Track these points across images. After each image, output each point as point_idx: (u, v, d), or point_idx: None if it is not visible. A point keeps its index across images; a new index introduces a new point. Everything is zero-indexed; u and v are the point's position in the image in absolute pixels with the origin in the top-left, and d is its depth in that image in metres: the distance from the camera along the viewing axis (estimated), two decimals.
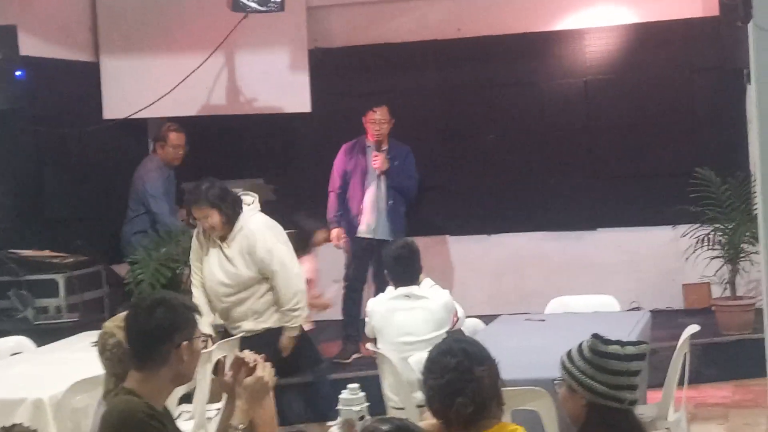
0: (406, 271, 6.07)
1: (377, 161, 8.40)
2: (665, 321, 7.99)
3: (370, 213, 8.46)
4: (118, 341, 3.91)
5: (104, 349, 3.97)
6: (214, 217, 6.41)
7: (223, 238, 6.51)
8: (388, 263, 6.19)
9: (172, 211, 8.62)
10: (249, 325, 6.49)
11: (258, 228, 6.51)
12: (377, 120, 8.45)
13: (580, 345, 3.44)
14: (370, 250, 8.41)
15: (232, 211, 6.45)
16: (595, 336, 3.43)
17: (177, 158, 8.75)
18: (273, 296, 6.52)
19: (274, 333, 6.48)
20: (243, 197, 6.65)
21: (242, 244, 6.46)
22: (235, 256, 6.49)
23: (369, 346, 5.96)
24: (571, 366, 3.40)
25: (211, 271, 6.56)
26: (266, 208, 8.63)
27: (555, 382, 3.52)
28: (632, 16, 9.37)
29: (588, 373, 3.36)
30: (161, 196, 8.61)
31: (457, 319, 6.10)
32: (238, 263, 6.48)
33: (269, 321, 6.53)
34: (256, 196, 6.81)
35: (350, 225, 8.53)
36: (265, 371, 3.44)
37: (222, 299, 6.53)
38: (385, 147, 8.51)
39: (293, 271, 6.53)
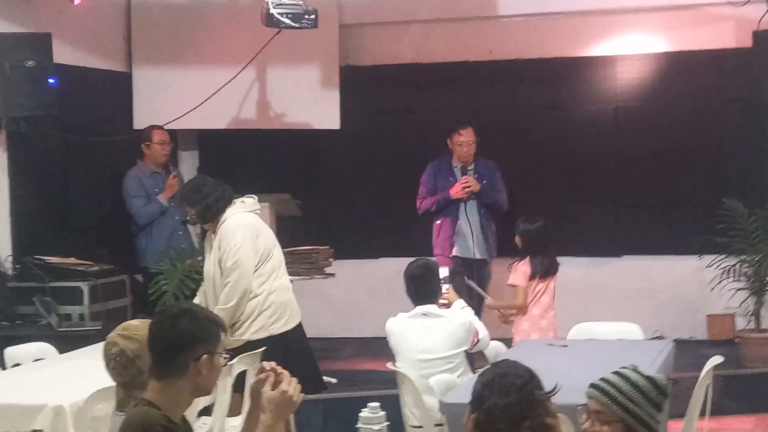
0: (421, 290, 6.06)
1: (461, 188, 8.40)
2: (688, 351, 7.95)
3: (468, 231, 8.46)
4: (121, 350, 3.91)
5: (108, 359, 3.97)
6: (192, 213, 6.66)
7: (214, 232, 6.63)
8: (406, 283, 6.20)
9: (151, 207, 8.65)
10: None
11: (232, 224, 6.55)
12: (464, 142, 8.46)
13: (636, 384, 3.32)
14: (468, 267, 8.35)
15: (206, 208, 6.57)
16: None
17: (164, 155, 8.85)
18: (253, 305, 6.53)
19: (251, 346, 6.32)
20: (241, 199, 6.70)
21: (218, 238, 6.56)
22: (214, 251, 6.58)
23: (389, 364, 5.96)
24: (634, 407, 3.26)
25: (206, 268, 6.71)
26: (292, 223, 8.73)
27: (578, 408, 3.47)
28: (665, 44, 9.36)
29: (653, 415, 3.28)
30: (133, 195, 8.70)
31: (478, 339, 6.08)
32: (212, 258, 6.58)
33: (246, 332, 6.51)
34: (255, 199, 6.81)
35: (444, 244, 8.50)
36: (291, 385, 3.38)
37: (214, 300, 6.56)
38: (471, 167, 8.51)
39: (241, 280, 6.48)
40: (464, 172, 8.51)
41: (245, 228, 6.56)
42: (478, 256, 8.42)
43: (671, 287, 9.24)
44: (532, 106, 9.60)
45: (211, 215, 6.59)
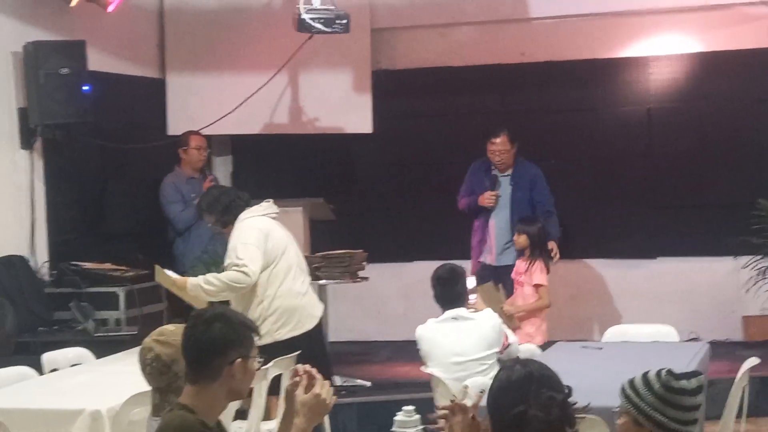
0: (448, 293, 6.06)
1: (484, 198, 8.37)
2: (724, 353, 7.89)
3: (493, 240, 8.40)
4: (157, 355, 3.94)
5: (144, 364, 3.99)
6: (209, 220, 6.75)
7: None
8: (432, 286, 6.20)
9: (188, 212, 8.66)
10: None
11: (242, 225, 6.56)
12: (497, 151, 8.39)
13: (647, 377, 3.36)
14: (494, 273, 8.29)
15: (224, 210, 6.62)
16: (668, 371, 3.37)
17: (201, 160, 8.89)
18: (259, 311, 6.54)
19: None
20: (258, 203, 6.71)
21: (230, 238, 6.59)
22: None
23: (423, 367, 5.96)
24: (638, 399, 3.33)
25: None
26: (326, 227, 8.75)
27: (615, 411, 3.47)
28: (697, 45, 9.31)
29: (658, 408, 3.30)
30: (171, 200, 8.75)
31: (509, 343, 6.08)
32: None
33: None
34: (271, 203, 6.80)
35: (476, 247, 8.48)
36: (324, 388, 3.40)
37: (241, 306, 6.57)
38: (509, 173, 8.45)
39: (242, 260, 6.40)
40: (494, 180, 8.43)
41: (255, 230, 6.54)
42: (499, 263, 8.29)
43: (707, 289, 9.19)
44: (565, 108, 9.58)
45: (230, 217, 6.60)
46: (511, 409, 3.09)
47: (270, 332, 6.50)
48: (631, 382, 3.38)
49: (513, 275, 8.05)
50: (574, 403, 3.16)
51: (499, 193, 8.38)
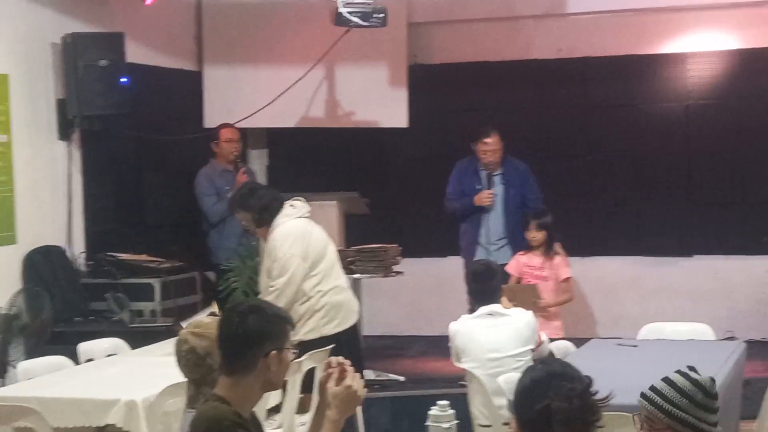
0: (483, 288, 6.05)
1: (481, 198, 8.32)
2: (761, 352, 7.84)
3: (486, 240, 8.37)
4: (191, 347, 3.95)
5: (179, 356, 4.01)
6: (244, 219, 6.73)
7: (266, 240, 6.68)
8: (467, 281, 6.20)
9: (221, 205, 8.68)
10: None
11: (280, 233, 6.58)
12: (489, 150, 8.35)
13: (681, 388, 3.29)
14: None
15: (259, 213, 6.61)
16: (712, 379, 3.32)
17: (232, 152, 8.86)
18: (306, 307, 6.58)
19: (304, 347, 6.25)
20: (290, 202, 6.71)
21: (268, 247, 6.61)
22: (265, 260, 6.65)
23: (457, 363, 5.95)
24: (681, 413, 3.23)
25: (261, 273, 6.80)
26: (360, 221, 8.75)
27: (635, 415, 3.43)
28: (736, 42, 9.23)
29: (701, 417, 3.25)
30: (205, 193, 8.76)
31: (542, 341, 6.06)
32: (264, 267, 6.65)
33: (298, 333, 6.50)
34: (304, 201, 6.82)
35: (468, 248, 8.43)
36: (355, 380, 3.41)
37: None
38: (499, 171, 8.41)
39: (287, 290, 6.51)
40: (490, 178, 8.38)
41: (293, 236, 6.58)
42: (500, 261, 8.03)
43: (744, 287, 9.12)
44: (602, 104, 9.54)
45: (267, 217, 6.61)
46: (535, 406, 3.09)
47: (317, 328, 6.59)
48: (663, 396, 3.27)
49: (521, 270, 8.00)
50: (595, 393, 3.15)
51: (495, 191, 8.34)
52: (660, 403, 3.29)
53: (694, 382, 3.29)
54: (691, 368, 3.35)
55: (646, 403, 3.32)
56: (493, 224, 8.36)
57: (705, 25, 9.28)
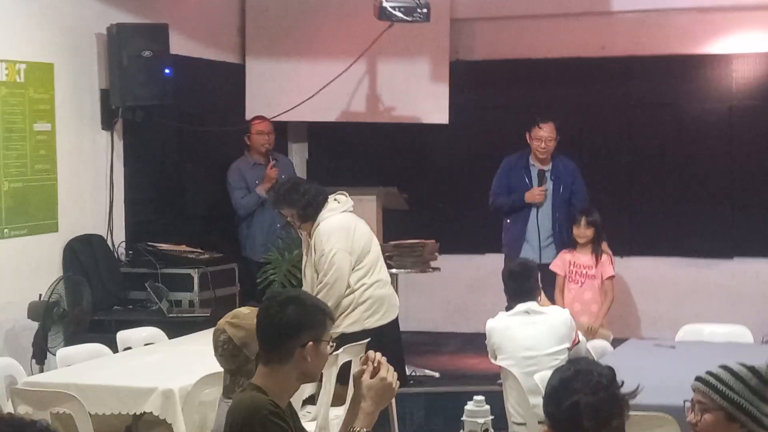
0: (520, 287, 6.04)
1: (534, 194, 8.20)
2: None
3: (534, 237, 8.25)
4: (228, 338, 3.97)
5: (216, 346, 4.04)
6: (289, 214, 6.70)
7: (310, 235, 6.69)
8: (504, 280, 6.19)
9: (249, 199, 8.73)
10: None
11: (326, 228, 6.59)
12: (543, 137, 8.17)
13: (736, 372, 3.34)
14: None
15: (304, 209, 6.61)
16: (760, 367, 3.36)
17: (265, 143, 8.87)
18: (350, 299, 6.60)
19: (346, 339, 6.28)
20: (333, 196, 6.73)
21: (313, 241, 6.61)
22: (310, 255, 6.64)
23: (493, 360, 5.95)
24: (734, 394, 3.31)
25: (303, 266, 6.79)
26: (399, 216, 8.76)
27: (686, 402, 3.44)
28: None
29: (755, 403, 3.29)
30: (234, 186, 8.80)
31: (579, 341, 6.04)
32: (310, 261, 6.65)
33: (341, 325, 6.51)
34: (347, 196, 6.83)
35: (512, 244, 8.31)
36: (389, 373, 3.41)
37: None
38: (548, 167, 8.28)
39: (337, 284, 6.55)
40: (541, 175, 8.26)
41: (339, 231, 6.61)
42: (543, 260, 8.02)
43: None
44: (645, 104, 9.48)
45: (312, 212, 6.62)
46: (564, 404, 3.10)
47: (359, 320, 6.64)
48: (719, 378, 3.35)
49: (567, 269, 7.95)
50: (621, 385, 3.16)
51: (545, 187, 8.25)
52: (714, 384, 3.35)
53: (751, 368, 3.36)
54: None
55: (700, 384, 3.37)
56: (542, 221, 8.23)
57: (750, 26, 9.20)
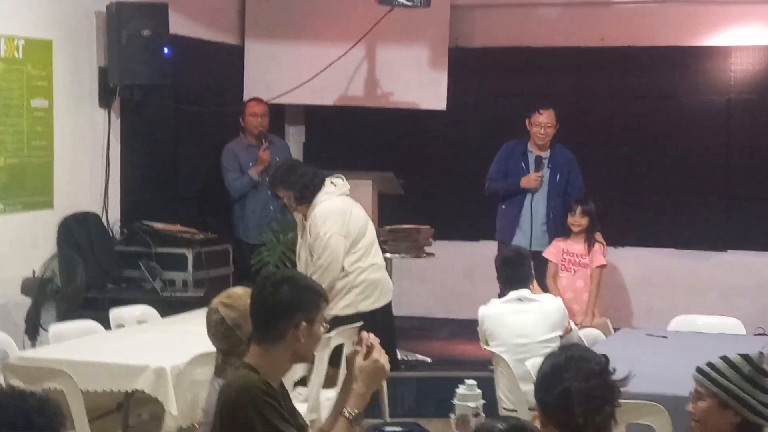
0: (513, 274, 6.06)
1: (530, 180, 8.18)
2: None
3: (528, 224, 8.23)
4: (221, 318, 3.98)
5: (209, 325, 4.05)
6: (286, 196, 6.70)
7: (306, 218, 6.69)
8: (497, 267, 6.20)
9: (242, 181, 8.69)
10: None
11: (322, 211, 6.59)
12: (542, 123, 8.18)
13: (731, 360, 3.39)
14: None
15: (300, 192, 6.61)
16: (761, 353, 3.41)
17: (258, 126, 8.79)
18: (344, 282, 6.61)
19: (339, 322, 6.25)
20: (329, 180, 6.73)
21: (309, 224, 6.62)
22: (306, 237, 6.66)
23: (485, 347, 5.96)
24: (727, 382, 3.36)
25: (298, 248, 6.80)
26: (394, 201, 8.75)
27: (697, 391, 3.47)
28: None
29: (747, 391, 3.33)
30: (228, 168, 8.74)
31: (571, 328, 6.06)
32: (305, 244, 6.67)
33: (335, 308, 6.51)
34: (344, 180, 6.82)
35: (506, 230, 8.31)
36: (382, 355, 3.43)
37: None
38: (546, 154, 8.27)
39: (331, 266, 6.55)
40: (538, 161, 8.24)
41: (335, 215, 6.61)
42: (536, 248, 7.99)
43: None
44: (643, 95, 9.47)
45: (308, 195, 6.63)
46: (555, 390, 3.11)
47: (354, 303, 6.65)
48: (713, 366, 3.39)
49: (561, 257, 7.95)
50: (613, 372, 3.17)
51: (542, 174, 8.23)
52: (708, 372, 3.42)
53: (744, 356, 3.41)
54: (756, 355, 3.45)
55: (698, 374, 3.43)
56: (537, 208, 8.23)
57: (749, 19, 9.20)
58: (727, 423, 3.38)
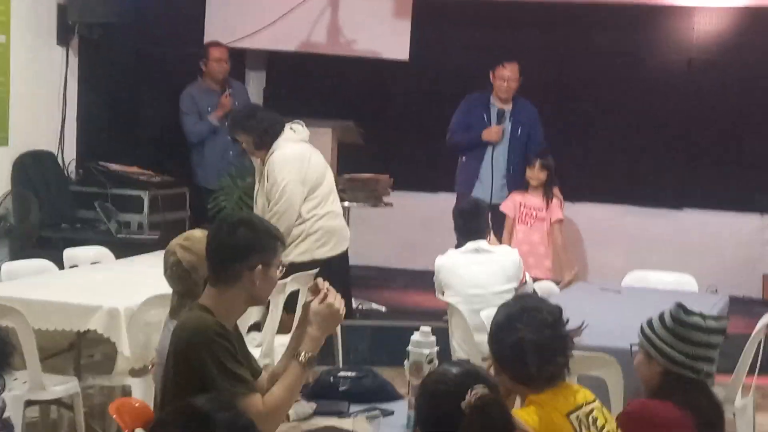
0: (470, 225, 6.06)
1: (491, 132, 8.17)
2: (742, 308, 7.86)
3: (488, 176, 8.22)
4: (177, 260, 3.96)
5: (166, 266, 4.03)
6: (244, 141, 6.61)
7: (264, 163, 6.64)
8: (454, 218, 6.20)
9: (201, 126, 8.58)
10: None
11: (279, 157, 6.54)
12: (506, 77, 8.17)
13: (662, 313, 3.46)
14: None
15: (260, 137, 6.55)
16: (680, 305, 3.44)
17: (221, 72, 8.68)
18: (301, 229, 6.58)
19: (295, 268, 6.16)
20: (290, 125, 6.67)
21: (266, 169, 6.57)
22: (263, 182, 6.62)
23: (440, 296, 5.98)
24: (651, 333, 3.44)
25: (255, 193, 6.75)
26: (354, 150, 8.72)
27: (632, 346, 3.53)
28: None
29: (668, 342, 3.39)
30: (186, 112, 8.60)
31: (525, 281, 6.08)
32: (261, 189, 6.62)
33: (291, 254, 6.48)
34: (303, 126, 6.78)
35: (466, 182, 8.30)
36: (336, 300, 3.43)
37: None
38: (509, 108, 8.25)
39: (287, 213, 6.51)
40: (500, 114, 8.24)
41: (293, 161, 6.55)
42: (494, 201, 8.02)
43: (730, 244, 9.14)
44: (606, 52, 9.46)
45: (267, 140, 6.56)
46: (508, 340, 3.12)
47: (309, 250, 6.61)
48: (649, 319, 3.45)
49: (517, 210, 7.97)
50: (566, 323, 3.19)
51: (504, 127, 8.23)
52: (641, 325, 3.53)
53: (671, 309, 3.47)
54: (680, 305, 3.49)
55: (644, 340, 3.50)
56: (497, 161, 8.23)
57: None
58: (654, 373, 3.46)
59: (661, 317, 3.46)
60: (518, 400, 3.25)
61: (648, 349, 3.44)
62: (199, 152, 8.71)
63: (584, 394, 3.18)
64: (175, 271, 3.99)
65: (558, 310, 3.22)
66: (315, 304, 3.42)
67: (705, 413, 3.36)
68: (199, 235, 4.02)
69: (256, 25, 9.15)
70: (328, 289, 3.45)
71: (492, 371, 3.19)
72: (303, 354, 3.38)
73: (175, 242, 4.06)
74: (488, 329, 3.35)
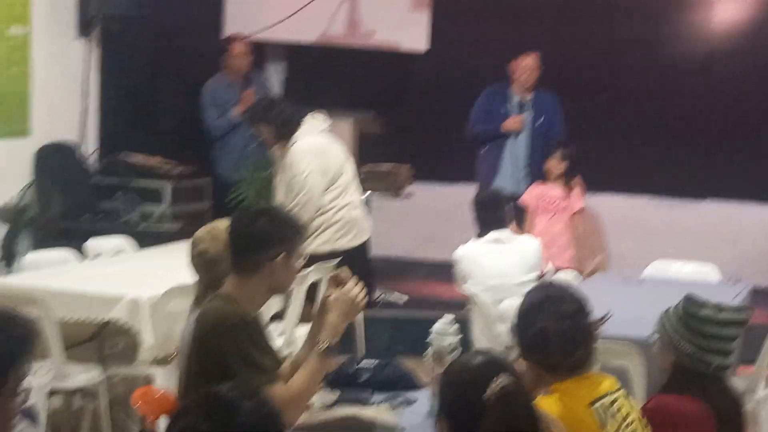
0: (490, 217, 6.06)
1: (512, 123, 8.17)
2: (766, 299, 7.83)
3: (509, 167, 8.22)
4: (203, 249, 3.97)
5: (191, 256, 4.04)
6: (264, 133, 6.63)
7: (284, 154, 6.63)
8: (474, 209, 6.19)
9: (222, 120, 8.58)
10: None
11: (300, 148, 6.54)
12: (528, 67, 8.18)
13: (678, 303, 3.44)
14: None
15: (279, 128, 6.55)
16: (689, 297, 3.42)
17: (242, 66, 8.69)
18: (322, 219, 6.58)
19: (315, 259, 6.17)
20: (309, 117, 6.67)
21: (287, 161, 6.57)
22: (282, 174, 6.63)
23: (460, 287, 5.97)
24: (666, 322, 3.43)
25: (275, 185, 6.76)
26: (374, 141, 8.73)
27: (654, 334, 3.53)
28: None
29: (679, 332, 3.38)
30: (207, 105, 8.58)
31: (545, 272, 6.07)
32: (282, 180, 6.63)
33: (312, 245, 6.46)
34: (323, 117, 6.77)
35: (486, 173, 8.29)
36: (356, 289, 3.45)
37: None
38: (529, 98, 8.26)
39: (307, 205, 6.49)
40: (521, 105, 8.24)
41: (314, 152, 6.56)
42: (514, 191, 7.95)
43: (754, 234, 9.09)
44: (626, 41, 9.42)
45: (288, 131, 6.57)
46: (531, 330, 3.12)
47: (330, 241, 6.62)
48: (668, 309, 3.44)
49: (537, 201, 7.95)
50: (589, 313, 3.18)
51: (525, 117, 8.20)
52: (660, 316, 3.50)
53: (686, 299, 3.44)
54: (691, 297, 3.48)
55: (662, 331, 3.49)
56: (518, 151, 8.21)
57: None
58: (668, 363, 3.46)
59: (676, 308, 3.46)
60: None
61: (663, 338, 3.44)
62: (221, 145, 8.71)
63: (610, 383, 3.17)
64: (200, 262, 4.01)
65: (580, 301, 3.21)
66: (335, 292, 3.44)
67: (719, 406, 3.34)
68: (224, 225, 4.03)
69: (276, 17, 9.15)
70: (348, 277, 3.47)
71: (516, 363, 3.19)
72: (323, 341, 3.40)
73: (201, 232, 4.08)
74: (509, 319, 3.35)
